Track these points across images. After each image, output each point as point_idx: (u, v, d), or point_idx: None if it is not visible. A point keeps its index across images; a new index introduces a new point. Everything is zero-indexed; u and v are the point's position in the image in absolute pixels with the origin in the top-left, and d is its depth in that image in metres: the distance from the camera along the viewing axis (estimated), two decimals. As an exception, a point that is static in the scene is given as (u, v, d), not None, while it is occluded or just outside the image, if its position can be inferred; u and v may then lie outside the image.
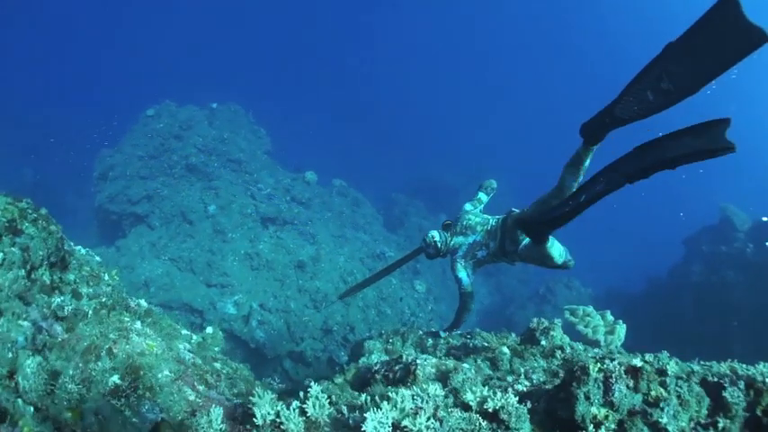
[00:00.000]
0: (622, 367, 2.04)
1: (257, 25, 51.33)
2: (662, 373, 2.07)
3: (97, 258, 4.25)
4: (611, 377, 2.04)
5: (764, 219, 13.08)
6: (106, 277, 4.19)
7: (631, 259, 29.22)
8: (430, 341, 5.62)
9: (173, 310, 11.45)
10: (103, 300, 3.31)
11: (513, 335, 4.66)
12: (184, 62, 44.30)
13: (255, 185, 14.30)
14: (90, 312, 2.81)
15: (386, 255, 14.55)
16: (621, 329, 5.70)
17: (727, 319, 12.21)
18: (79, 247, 4.83)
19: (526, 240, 4.34)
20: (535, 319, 4.46)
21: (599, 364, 2.06)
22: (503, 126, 42.94)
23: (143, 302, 4.36)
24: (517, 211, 4.51)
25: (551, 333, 4.43)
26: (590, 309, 6.16)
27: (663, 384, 2.07)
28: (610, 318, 5.90)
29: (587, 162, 3.78)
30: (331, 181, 17.86)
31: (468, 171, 28.48)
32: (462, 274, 4.79)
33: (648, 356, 2.23)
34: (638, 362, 2.08)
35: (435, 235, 4.96)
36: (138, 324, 3.05)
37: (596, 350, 4.63)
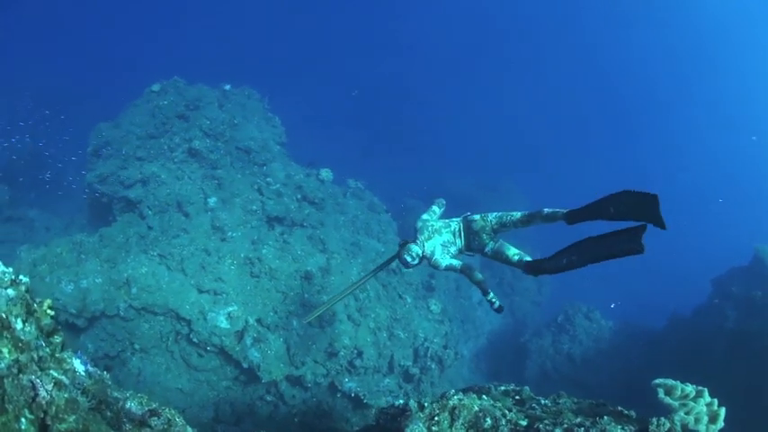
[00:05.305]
0: None
1: (278, 13, 49.64)
2: None
3: (10, 291, 2.68)
4: None
5: None
6: (19, 324, 2.64)
7: (651, 293, 28.42)
8: (488, 421, 4.20)
9: (156, 315, 9.96)
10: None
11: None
12: (200, 42, 42.65)
13: (264, 179, 12.66)
14: None
15: (402, 268, 12.97)
16: (722, 414, 4.93)
17: (762, 370, 11.08)
18: (-3, 259, 3.30)
19: (490, 246, 5.01)
20: (654, 420, 4.02)
21: None
22: (522, 140, 41.45)
23: (76, 364, 2.81)
24: (477, 217, 5.09)
25: (676, 439, 3.25)
26: (689, 388, 5.27)
27: None
28: (707, 398, 5.00)
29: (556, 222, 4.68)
30: (345, 181, 16.22)
31: (486, 183, 28.24)
32: (448, 261, 5.12)
33: None
34: None
35: (416, 249, 5.16)
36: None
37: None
